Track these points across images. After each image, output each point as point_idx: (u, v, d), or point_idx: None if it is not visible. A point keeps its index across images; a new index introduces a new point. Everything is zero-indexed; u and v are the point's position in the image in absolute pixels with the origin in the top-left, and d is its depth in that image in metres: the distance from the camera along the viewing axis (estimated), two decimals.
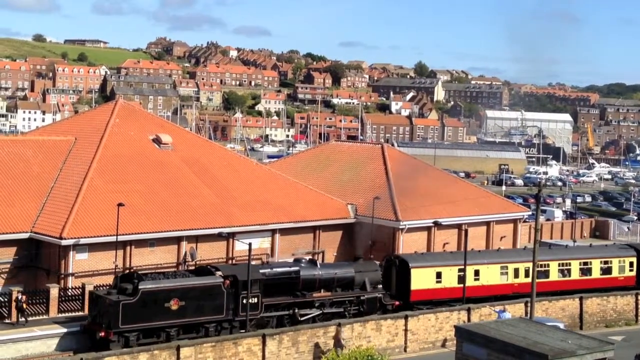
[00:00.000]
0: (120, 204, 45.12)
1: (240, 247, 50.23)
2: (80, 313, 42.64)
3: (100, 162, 51.45)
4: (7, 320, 41.29)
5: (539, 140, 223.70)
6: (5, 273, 45.88)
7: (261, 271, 43.91)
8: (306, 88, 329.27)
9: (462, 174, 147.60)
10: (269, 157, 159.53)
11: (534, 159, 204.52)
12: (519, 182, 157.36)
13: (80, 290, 43.72)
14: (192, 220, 50.69)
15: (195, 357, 36.38)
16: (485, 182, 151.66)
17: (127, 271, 44.79)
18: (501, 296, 50.68)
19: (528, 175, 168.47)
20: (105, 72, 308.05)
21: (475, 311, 45.89)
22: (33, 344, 39.12)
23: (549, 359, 27.03)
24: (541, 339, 28.96)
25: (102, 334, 38.75)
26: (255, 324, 42.75)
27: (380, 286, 48.57)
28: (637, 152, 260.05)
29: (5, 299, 42.02)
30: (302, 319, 44.72)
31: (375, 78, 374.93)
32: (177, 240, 49.96)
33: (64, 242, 45.09)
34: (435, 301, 49.36)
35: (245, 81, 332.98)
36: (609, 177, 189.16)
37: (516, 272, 52.59)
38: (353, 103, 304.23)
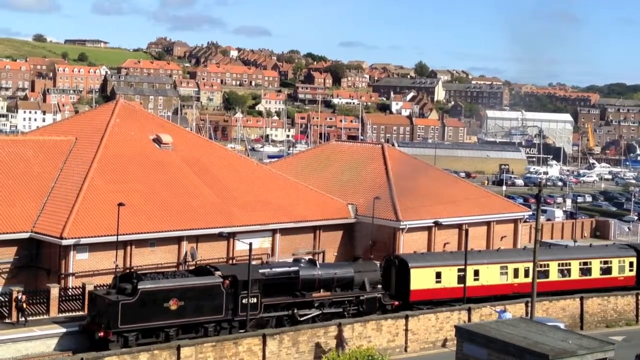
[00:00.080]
0: (120, 204, 45.12)
1: (240, 247, 50.25)
2: (81, 313, 42.64)
3: (101, 162, 51.47)
4: (7, 320, 41.31)
5: (540, 140, 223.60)
6: (6, 273, 45.90)
7: (260, 271, 43.88)
8: (306, 88, 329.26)
9: (463, 174, 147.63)
10: (270, 157, 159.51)
11: (534, 159, 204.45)
12: (520, 182, 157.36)
13: (81, 290, 43.73)
14: (192, 220, 50.70)
15: (196, 357, 36.38)
16: (486, 182, 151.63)
17: (127, 271, 44.79)
18: (501, 296, 50.67)
19: (528, 175, 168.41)
20: (106, 72, 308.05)
21: (476, 311, 45.89)
22: (33, 344, 39.13)
23: (549, 359, 27.03)
24: (542, 339, 28.96)
25: (101, 333, 38.74)
26: (254, 324, 42.73)
27: (380, 286, 48.57)
28: (638, 152, 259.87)
29: (6, 299, 42.04)
30: (302, 319, 44.71)
31: (376, 78, 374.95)
32: (178, 240, 49.97)
33: (64, 242, 45.12)
34: (435, 301, 49.34)
35: (245, 81, 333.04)
36: (610, 177, 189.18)
37: (516, 272, 52.58)
38: (353, 103, 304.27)
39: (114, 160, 52.33)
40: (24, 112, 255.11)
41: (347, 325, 41.26)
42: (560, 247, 59.86)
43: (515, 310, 46.55)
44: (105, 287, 41.84)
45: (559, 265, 54.62)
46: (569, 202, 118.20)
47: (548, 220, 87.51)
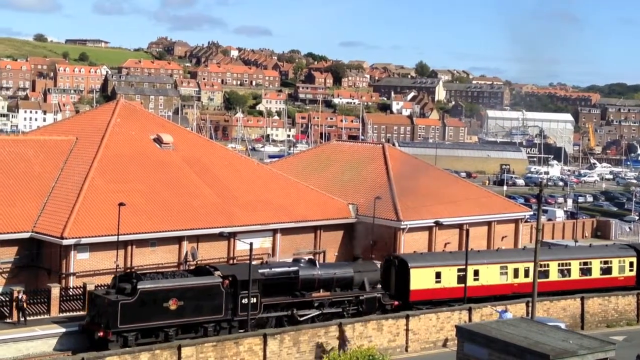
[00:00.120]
0: (121, 204, 45.11)
1: (241, 247, 50.24)
2: (82, 313, 42.64)
3: (102, 162, 51.49)
4: (8, 320, 41.33)
5: (540, 140, 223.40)
6: (7, 273, 45.93)
7: (260, 271, 43.85)
8: (307, 88, 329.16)
9: (464, 174, 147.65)
10: (270, 157, 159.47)
11: (535, 159, 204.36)
12: (520, 182, 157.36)
13: (82, 290, 43.74)
14: (193, 220, 50.70)
15: (197, 356, 36.38)
16: (487, 182, 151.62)
17: (128, 271, 44.80)
18: (501, 296, 50.64)
19: (529, 175, 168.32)
20: (107, 71, 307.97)
21: (477, 311, 45.88)
22: (34, 344, 39.15)
23: (550, 359, 27.02)
24: (542, 339, 28.95)
25: (101, 333, 38.74)
26: (254, 324, 42.69)
27: (380, 286, 48.57)
28: (639, 152, 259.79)
29: (7, 299, 42.05)
30: (301, 319, 44.69)
31: (376, 78, 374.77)
32: (178, 240, 49.98)
33: (65, 242, 45.14)
34: (435, 301, 49.33)
35: (246, 81, 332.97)
36: (611, 177, 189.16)
37: (516, 272, 52.55)
38: (354, 103, 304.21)
39: (114, 160, 52.35)
40: (25, 111, 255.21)
41: (348, 325, 41.25)
42: (560, 247, 59.86)
43: (516, 310, 46.54)
44: (104, 287, 41.86)
45: (558, 265, 54.60)
46: (569, 202, 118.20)
47: (549, 220, 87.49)
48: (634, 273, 56.95)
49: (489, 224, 63.90)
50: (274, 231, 54.49)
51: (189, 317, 40.78)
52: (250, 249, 42.36)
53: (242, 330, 41.61)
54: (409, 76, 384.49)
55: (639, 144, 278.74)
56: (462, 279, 49.26)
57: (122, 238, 46.13)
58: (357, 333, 41.33)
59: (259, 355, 38.24)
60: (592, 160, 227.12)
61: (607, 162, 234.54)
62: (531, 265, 48.43)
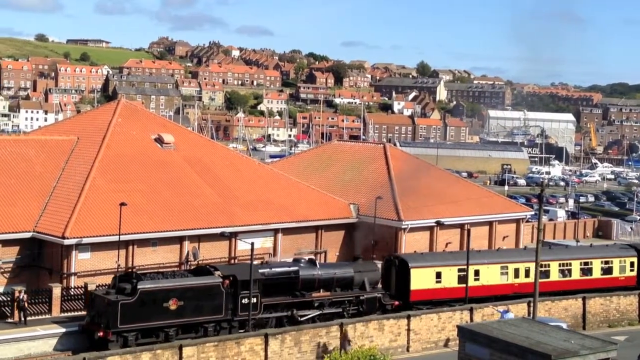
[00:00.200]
0: (122, 204, 45.10)
1: (242, 246, 50.22)
2: (83, 312, 42.63)
3: (103, 162, 51.50)
4: (9, 320, 41.34)
5: (542, 140, 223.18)
6: (8, 272, 45.95)
7: (260, 271, 43.80)
8: (308, 88, 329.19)
9: (465, 174, 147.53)
10: (271, 156, 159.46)
11: (536, 159, 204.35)
12: (522, 182, 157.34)
13: (83, 289, 43.75)
14: (194, 220, 50.70)
15: (198, 356, 36.37)
16: (488, 182, 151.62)
17: (128, 271, 44.79)
18: (501, 296, 50.60)
19: (531, 175, 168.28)
20: (108, 71, 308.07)
21: (478, 311, 45.86)
22: (35, 344, 39.15)
23: (552, 359, 27.00)
24: (544, 339, 28.93)
25: (101, 333, 38.72)
26: (254, 324, 42.66)
27: (380, 286, 48.53)
28: None
29: (8, 299, 42.05)
30: (301, 319, 44.66)
31: (378, 78, 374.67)
32: (180, 240, 49.98)
33: (66, 242, 45.15)
34: (435, 301, 49.30)
35: (247, 81, 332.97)
36: (612, 177, 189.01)
37: (516, 272, 52.50)
38: (355, 103, 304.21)
39: (115, 160, 52.36)
40: (26, 111, 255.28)
41: (349, 325, 41.24)
42: (561, 247, 59.82)
43: (517, 310, 46.51)
44: (104, 287, 41.86)
45: (559, 265, 54.56)
46: (571, 202, 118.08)
47: (550, 220, 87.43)
48: (634, 273, 56.90)
49: (490, 224, 63.88)
50: (275, 231, 54.48)
51: (189, 317, 40.75)
52: (252, 249, 42.33)
53: (242, 331, 41.59)
54: (410, 76, 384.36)
55: None
56: (462, 279, 49.22)
57: (123, 238, 46.14)
58: (358, 333, 41.33)
59: (260, 355, 38.23)
60: (594, 160, 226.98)
61: (609, 162, 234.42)
62: (532, 265, 48.42)
